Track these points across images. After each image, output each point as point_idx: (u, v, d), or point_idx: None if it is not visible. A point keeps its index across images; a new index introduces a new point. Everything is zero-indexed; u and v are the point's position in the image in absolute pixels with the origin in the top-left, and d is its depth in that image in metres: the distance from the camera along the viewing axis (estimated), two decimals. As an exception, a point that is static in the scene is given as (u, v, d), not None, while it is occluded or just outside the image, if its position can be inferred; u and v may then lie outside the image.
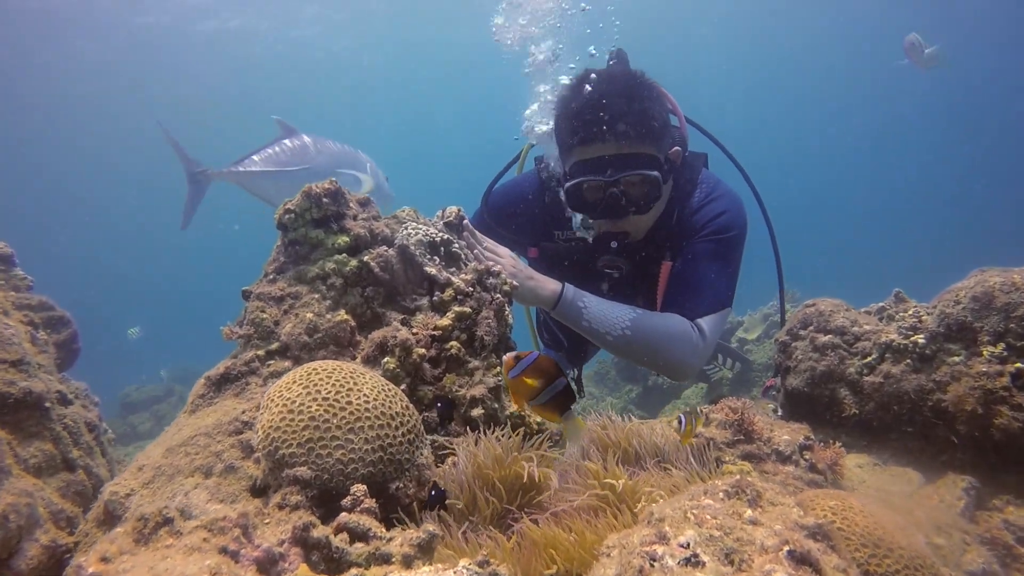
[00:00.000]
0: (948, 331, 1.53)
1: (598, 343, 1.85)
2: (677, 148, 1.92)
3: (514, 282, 1.48)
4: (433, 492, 1.01)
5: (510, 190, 2.23)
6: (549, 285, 1.80)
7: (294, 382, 1.01)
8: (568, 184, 1.86)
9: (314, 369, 1.03)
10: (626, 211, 1.85)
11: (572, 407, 1.54)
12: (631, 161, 1.78)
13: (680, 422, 1.37)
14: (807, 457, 1.24)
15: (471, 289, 1.35)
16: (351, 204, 1.43)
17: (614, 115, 1.76)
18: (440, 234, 1.40)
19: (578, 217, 2.01)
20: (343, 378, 1.02)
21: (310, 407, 0.97)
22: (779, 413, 1.92)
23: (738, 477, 0.74)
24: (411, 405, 1.07)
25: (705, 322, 1.88)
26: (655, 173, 1.80)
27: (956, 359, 1.50)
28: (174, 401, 6.79)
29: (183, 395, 6.95)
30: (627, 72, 1.91)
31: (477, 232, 1.74)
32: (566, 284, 1.81)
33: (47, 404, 1.35)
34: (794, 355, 1.86)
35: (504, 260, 1.75)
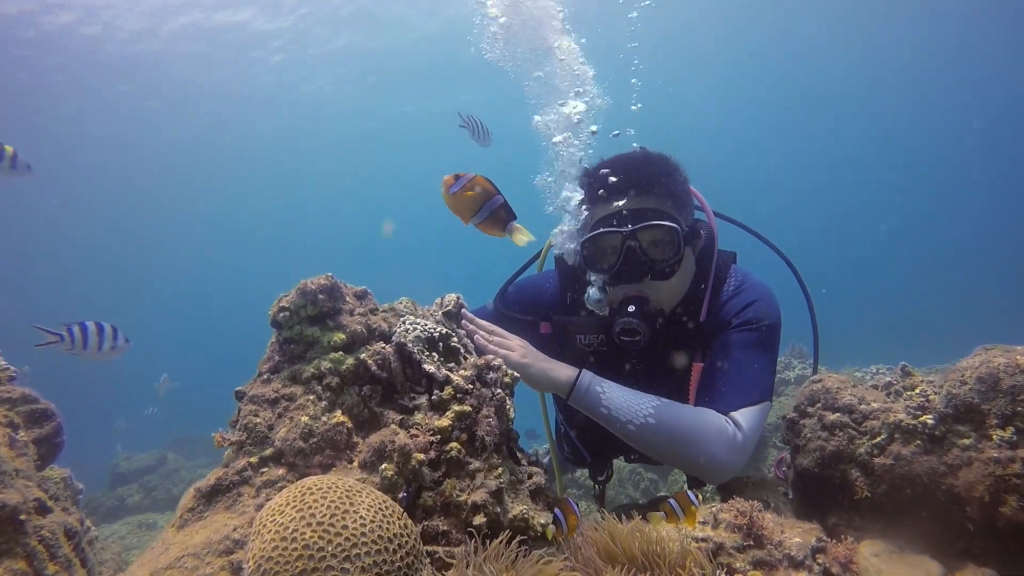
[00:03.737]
0: (956, 412, 1.50)
1: (619, 434, 1.70)
2: (701, 231, 1.90)
3: (515, 373, 1.45)
4: None
5: (527, 289, 2.14)
6: (564, 370, 1.72)
7: (287, 504, 0.97)
8: (585, 237, 1.83)
9: (308, 489, 0.99)
10: (644, 267, 1.77)
11: (512, 222, 1.69)
12: (649, 214, 1.76)
13: (674, 507, 1.31)
14: (820, 561, 1.19)
15: (471, 386, 1.31)
16: (347, 298, 1.41)
17: (633, 172, 1.77)
18: (438, 328, 1.38)
19: (593, 290, 1.93)
20: (338, 499, 0.97)
21: (304, 533, 0.92)
22: (790, 495, 1.87)
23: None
24: (409, 522, 1.02)
25: (742, 416, 1.71)
26: (674, 225, 1.75)
27: (966, 441, 1.47)
28: (165, 471, 6.59)
29: (176, 466, 6.76)
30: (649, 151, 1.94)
31: (478, 319, 1.71)
32: (583, 369, 1.73)
33: (22, 517, 1.28)
34: (802, 433, 1.81)
35: (513, 343, 1.70)
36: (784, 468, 2.20)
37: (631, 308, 1.78)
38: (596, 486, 2.41)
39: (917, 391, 1.66)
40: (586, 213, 1.90)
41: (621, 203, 1.79)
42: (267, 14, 13.32)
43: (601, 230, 1.78)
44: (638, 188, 1.78)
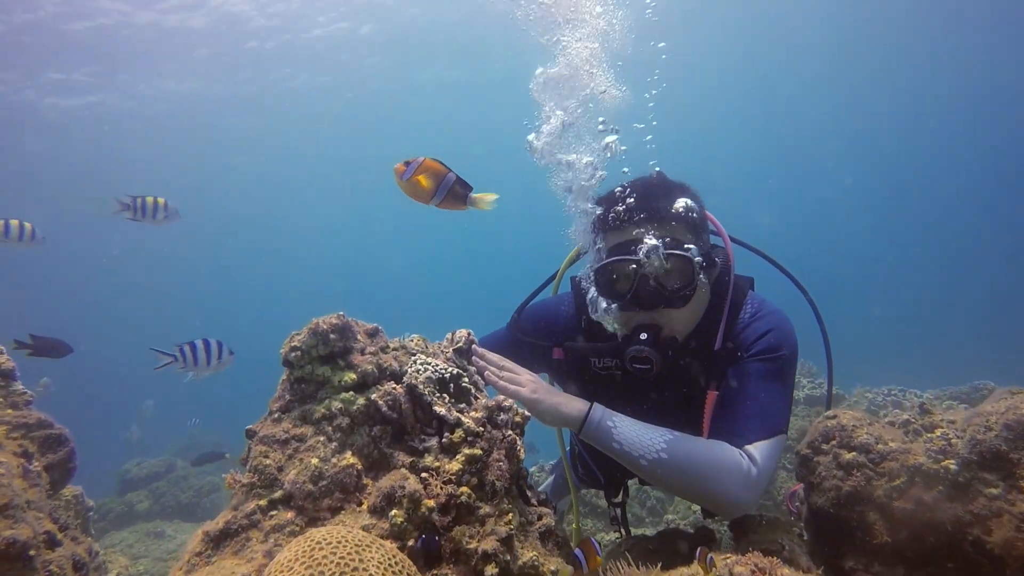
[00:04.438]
0: (982, 459, 1.46)
1: (632, 469, 1.66)
2: (717, 258, 1.87)
3: (526, 412, 1.43)
4: None
5: (543, 312, 2.12)
6: (575, 404, 1.68)
7: (296, 560, 0.95)
8: (597, 266, 1.80)
9: (317, 543, 0.97)
10: (657, 295, 1.74)
11: (470, 193, 1.79)
12: (665, 244, 1.72)
13: (709, 562, 1.30)
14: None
15: (481, 428, 1.30)
16: (359, 337, 1.40)
17: (648, 199, 1.75)
18: (449, 369, 1.37)
19: (602, 307, 1.89)
20: (347, 554, 0.96)
21: (312, 593, 0.91)
22: (804, 536, 1.83)
23: None
24: (420, 578, 1.00)
25: (757, 450, 1.66)
26: (688, 254, 1.72)
27: (994, 491, 1.42)
28: (174, 478, 6.61)
29: (184, 472, 6.78)
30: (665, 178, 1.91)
31: (490, 353, 1.69)
32: (595, 403, 1.69)
33: (31, 552, 1.28)
34: (817, 471, 1.78)
35: (523, 379, 1.68)
36: (797, 503, 2.15)
37: (643, 336, 1.75)
38: (612, 508, 2.38)
39: (938, 434, 1.62)
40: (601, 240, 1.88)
41: (636, 230, 1.76)
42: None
43: (614, 258, 1.76)
44: (654, 215, 1.75)
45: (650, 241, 1.73)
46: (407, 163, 1.76)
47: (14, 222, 3.76)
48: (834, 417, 1.83)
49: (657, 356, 1.73)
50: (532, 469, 5.18)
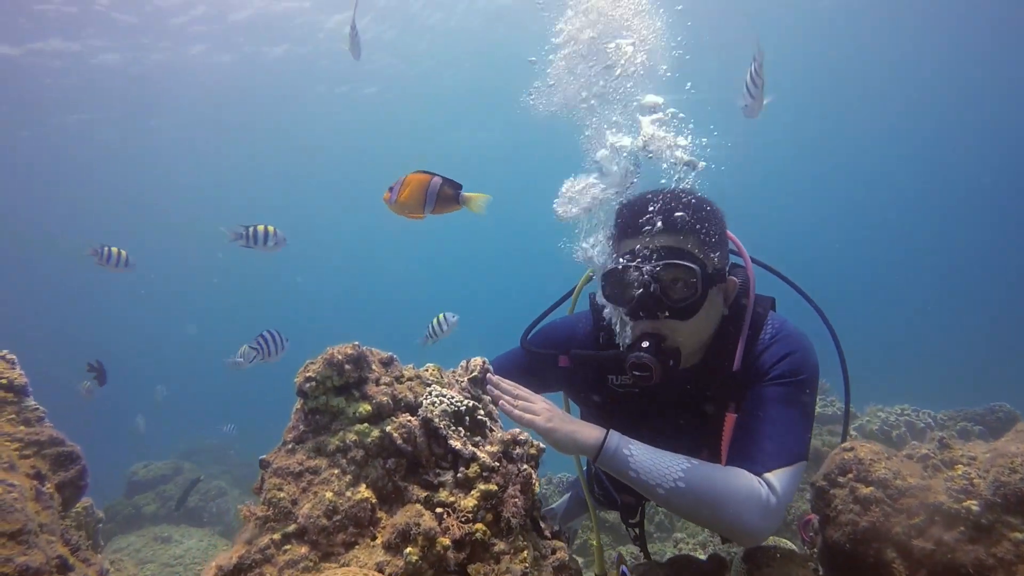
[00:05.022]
0: (1006, 501, 1.43)
1: (649, 497, 1.63)
2: (734, 279, 1.84)
3: (541, 444, 1.42)
4: None
5: (558, 329, 2.10)
6: (591, 432, 1.66)
7: (311, 605, 0.94)
8: (606, 271, 1.79)
9: (332, 588, 0.96)
10: (661, 305, 1.71)
11: (460, 192, 1.81)
12: (671, 253, 1.70)
13: None
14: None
15: (497, 463, 1.28)
16: (374, 367, 1.39)
17: (662, 210, 1.73)
18: (465, 402, 1.36)
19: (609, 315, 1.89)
20: (363, 600, 0.95)
21: (327, 641, 0.90)
22: (820, 572, 1.80)
23: None
24: (435, 624, 0.99)
25: (776, 478, 1.63)
26: (693, 265, 1.69)
27: (1019, 535, 1.40)
28: (181, 481, 6.64)
29: (191, 475, 6.82)
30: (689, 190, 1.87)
31: (504, 381, 1.68)
32: (611, 431, 1.67)
33: (45, 580, 1.28)
34: (833, 504, 1.75)
35: (538, 407, 1.66)
36: (811, 533, 2.12)
37: (645, 344, 1.72)
38: (629, 529, 2.36)
39: (959, 472, 1.59)
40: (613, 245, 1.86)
41: (647, 239, 1.75)
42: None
43: (620, 264, 1.75)
44: (665, 225, 1.73)
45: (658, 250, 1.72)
46: (391, 188, 1.78)
47: (115, 250, 4.14)
48: (851, 449, 1.80)
49: (656, 363, 1.69)
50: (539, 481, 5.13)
